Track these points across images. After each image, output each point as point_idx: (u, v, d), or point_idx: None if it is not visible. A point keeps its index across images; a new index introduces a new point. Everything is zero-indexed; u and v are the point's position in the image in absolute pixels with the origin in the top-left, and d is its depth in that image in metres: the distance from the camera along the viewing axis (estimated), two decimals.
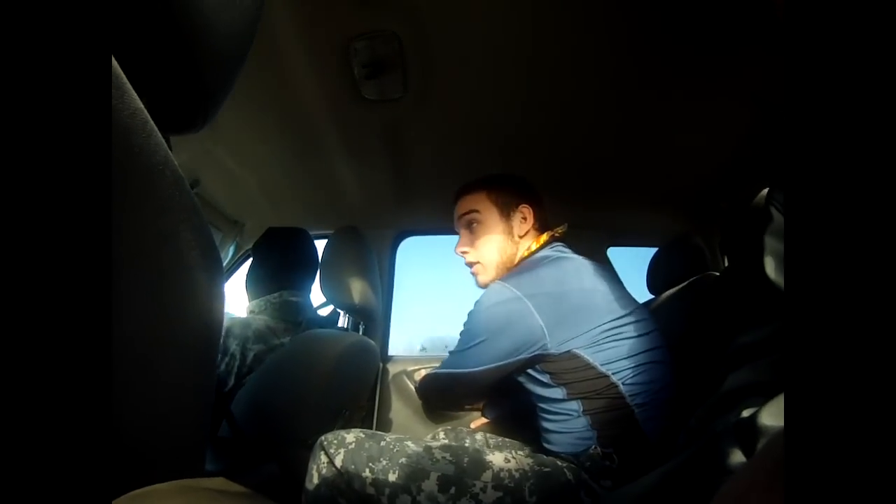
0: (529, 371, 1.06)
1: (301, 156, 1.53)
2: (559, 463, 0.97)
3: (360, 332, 1.54)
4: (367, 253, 1.46)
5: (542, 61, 1.09)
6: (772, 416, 0.49)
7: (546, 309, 1.00)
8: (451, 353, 1.15)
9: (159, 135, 0.36)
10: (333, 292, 1.34)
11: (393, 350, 1.90)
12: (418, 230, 1.98)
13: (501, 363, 1.04)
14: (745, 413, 0.54)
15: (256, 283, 1.58)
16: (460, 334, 1.12)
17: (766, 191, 1.04)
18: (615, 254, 1.96)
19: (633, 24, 0.98)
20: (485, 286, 1.21)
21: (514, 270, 1.15)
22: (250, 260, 1.65)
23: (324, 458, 0.94)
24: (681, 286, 1.52)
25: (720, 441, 0.53)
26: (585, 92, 1.20)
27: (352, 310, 1.39)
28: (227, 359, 1.35)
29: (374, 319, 1.57)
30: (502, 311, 1.04)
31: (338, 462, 0.92)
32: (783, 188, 0.62)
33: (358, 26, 1.01)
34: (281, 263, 1.58)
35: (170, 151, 0.37)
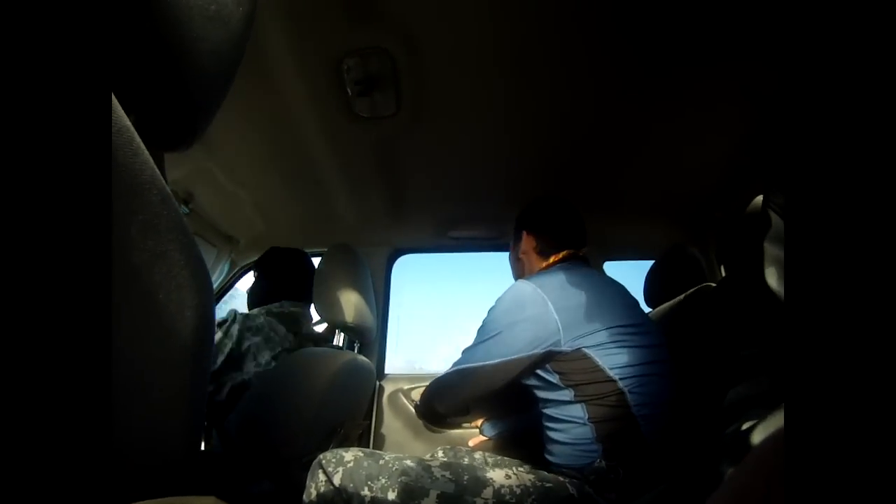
0: (538, 371, 1.07)
1: (295, 173, 1.53)
2: (561, 478, 0.96)
3: (356, 351, 1.53)
4: (362, 270, 1.46)
5: (534, 77, 1.10)
6: (762, 434, 0.48)
7: (561, 305, 1.04)
8: (464, 350, 1.17)
9: (146, 153, 0.36)
10: (328, 310, 1.33)
11: (393, 368, 1.89)
12: (414, 248, 1.98)
13: (515, 356, 1.05)
14: (744, 427, 0.53)
15: (258, 296, 1.60)
16: (478, 330, 1.15)
17: (761, 196, 1.04)
18: (612, 268, 1.96)
19: (626, 38, 0.99)
20: None
21: (534, 274, 1.22)
22: (253, 278, 1.67)
23: (322, 477, 0.93)
24: (678, 298, 1.52)
25: (714, 463, 0.53)
26: (578, 107, 1.20)
27: (347, 328, 1.38)
28: (225, 339, 1.35)
29: (369, 337, 1.55)
30: (520, 304, 1.09)
31: (336, 481, 0.92)
32: (783, 191, 0.62)
33: (349, 43, 1.01)
34: (283, 279, 1.61)
35: (157, 170, 0.37)
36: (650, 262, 1.76)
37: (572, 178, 1.55)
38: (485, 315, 1.16)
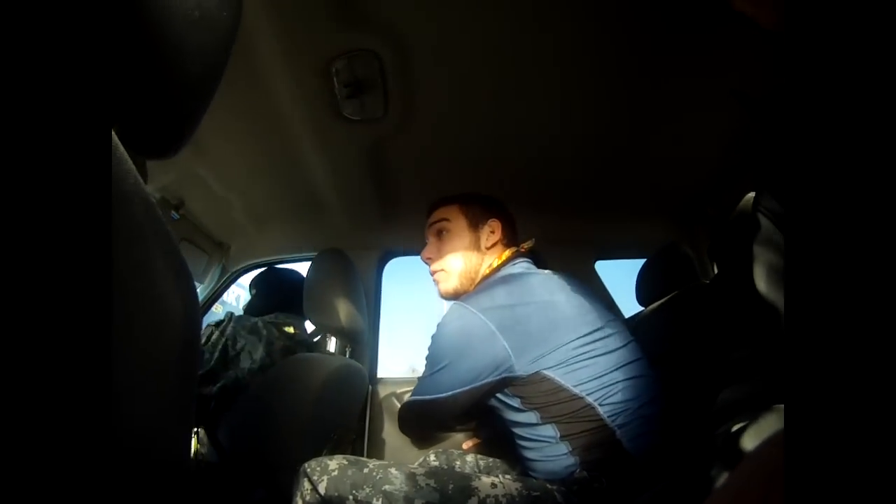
0: (499, 396, 1.03)
1: (285, 177, 1.52)
2: (549, 486, 0.94)
3: (347, 355, 1.52)
4: (352, 274, 1.45)
5: (523, 78, 1.10)
6: (752, 437, 0.49)
7: (509, 328, 0.98)
8: (419, 379, 1.13)
9: (129, 161, 0.35)
10: (319, 315, 1.33)
11: (390, 372, 1.88)
12: (404, 251, 1.97)
13: (468, 387, 1.01)
14: (734, 429, 0.53)
15: (254, 312, 1.61)
16: (426, 359, 1.10)
17: (751, 195, 1.04)
18: (603, 267, 1.96)
19: (612, 36, 1.00)
20: (446, 294, 1.23)
21: (476, 290, 1.14)
22: (249, 295, 1.69)
23: (307, 486, 0.92)
24: (670, 296, 1.52)
25: (709, 463, 0.53)
26: (568, 106, 1.21)
27: (338, 332, 1.37)
28: (220, 337, 1.34)
29: (360, 342, 1.55)
30: (464, 333, 1.02)
31: (321, 489, 0.91)
32: (771, 193, 0.62)
33: (338, 46, 1.01)
34: (278, 296, 1.63)
35: (140, 178, 0.36)
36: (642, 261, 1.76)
37: (563, 178, 1.55)
38: (430, 342, 1.10)
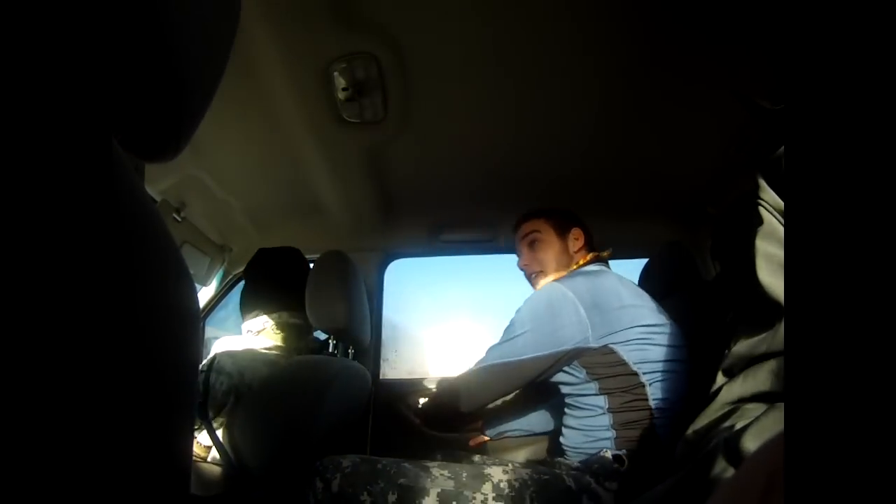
0: (566, 369, 1.12)
1: (286, 179, 1.53)
2: (557, 471, 1.00)
3: (350, 357, 1.52)
4: (355, 276, 1.45)
5: (523, 79, 1.10)
6: (754, 437, 0.49)
7: (590, 306, 1.10)
8: (490, 348, 1.19)
9: (128, 164, 0.35)
10: (321, 318, 1.33)
11: (396, 374, 1.88)
12: (406, 252, 1.97)
13: (546, 353, 1.09)
14: (737, 426, 0.53)
15: (253, 302, 1.47)
16: (505, 329, 1.18)
17: (752, 193, 1.04)
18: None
19: (612, 36, 1.00)
20: None
21: (564, 276, 1.27)
22: (244, 282, 1.55)
23: (319, 484, 0.94)
24: (672, 295, 1.52)
25: (710, 461, 0.53)
26: (567, 107, 1.21)
27: (340, 334, 1.37)
28: (234, 383, 1.24)
29: (363, 343, 1.54)
30: (551, 304, 1.14)
31: (334, 487, 0.92)
32: (773, 187, 0.62)
33: (337, 49, 1.01)
34: (277, 283, 1.48)
35: (139, 179, 0.37)
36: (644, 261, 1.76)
37: (563, 178, 1.55)
38: (513, 314, 1.19)
